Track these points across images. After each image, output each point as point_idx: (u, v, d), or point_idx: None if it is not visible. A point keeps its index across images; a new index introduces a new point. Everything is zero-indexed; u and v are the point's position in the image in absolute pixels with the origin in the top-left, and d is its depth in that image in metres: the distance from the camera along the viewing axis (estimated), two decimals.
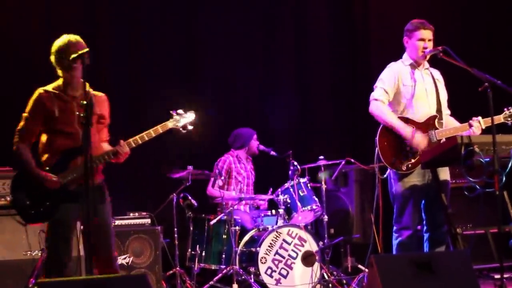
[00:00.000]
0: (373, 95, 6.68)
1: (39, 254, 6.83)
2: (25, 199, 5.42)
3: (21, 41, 8.32)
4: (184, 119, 5.89)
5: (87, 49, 5.34)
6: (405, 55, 6.79)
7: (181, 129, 5.89)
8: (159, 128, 5.77)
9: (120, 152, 5.61)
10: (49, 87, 5.57)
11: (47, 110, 5.48)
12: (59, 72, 5.57)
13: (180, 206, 8.11)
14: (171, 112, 5.87)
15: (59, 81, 5.58)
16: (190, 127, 5.92)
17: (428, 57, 6.66)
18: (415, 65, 6.71)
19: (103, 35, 9.16)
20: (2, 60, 8.41)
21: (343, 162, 8.61)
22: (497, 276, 7.88)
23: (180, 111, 5.90)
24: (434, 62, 6.78)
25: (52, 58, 5.55)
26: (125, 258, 7.57)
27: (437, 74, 6.85)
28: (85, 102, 5.16)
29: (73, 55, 5.34)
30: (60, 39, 5.55)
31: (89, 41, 5.61)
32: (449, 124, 6.65)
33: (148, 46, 9.44)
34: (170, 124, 5.83)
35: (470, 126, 6.41)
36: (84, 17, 9.02)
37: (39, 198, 5.41)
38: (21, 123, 5.55)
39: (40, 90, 5.55)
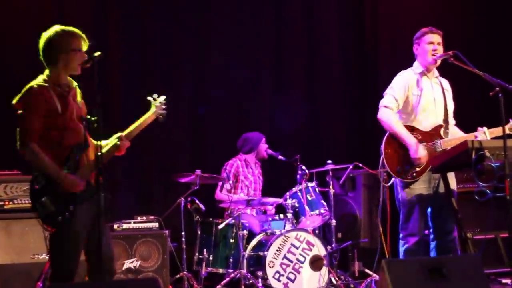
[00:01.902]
0: (383, 102, 6.69)
1: (47, 257, 6.81)
2: (50, 205, 5.09)
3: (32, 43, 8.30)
4: (162, 104, 5.74)
5: (99, 53, 5.21)
6: (415, 63, 6.79)
7: (160, 116, 5.74)
8: (148, 119, 5.63)
9: (122, 146, 5.42)
10: (44, 82, 5.21)
11: (50, 106, 5.16)
12: (54, 61, 5.25)
13: (187, 210, 8.10)
14: (148, 98, 5.70)
15: (49, 73, 5.26)
16: (164, 112, 5.76)
17: (438, 62, 6.65)
18: (425, 73, 6.71)
19: (113, 38, 9.14)
20: (10, 60, 8.40)
21: (351, 167, 8.61)
22: (505, 281, 7.87)
23: (155, 96, 5.73)
24: (444, 71, 6.79)
25: (49, 46, 5.25)
26: (132, 262, 7.57)
27: (446, 84, 6.86)
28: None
29: (86, 59, 5.24)
30: (62, 28, 5.29)
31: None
32: (455, 134, 6.67)
33: (157, 48, 9.42)
34: (154, 114, 5.69)
35: (476, 137, 6.40)
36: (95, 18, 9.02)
37: (64, 202, 5.11)
38: (25, 123, 5.11)
39: (38, 84, 5.19)
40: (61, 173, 5.13)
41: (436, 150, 6.47)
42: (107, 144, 5.42)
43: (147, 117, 5.63)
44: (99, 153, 4.99)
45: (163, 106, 5.74)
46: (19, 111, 5.16)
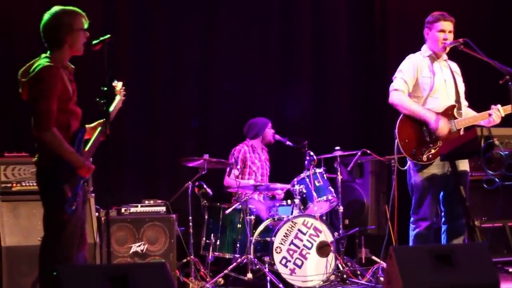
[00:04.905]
0: (393, 85, 6.65)
1: None
2: (69, 191, 5.01)
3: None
4: (122, 90, 5.62)
5: (108, 36, 5.19)
6: (424, 47, 6.76)
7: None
8: (118, 105, 5.51)
9: (105, 132, 5.27)
10: (53, 62, 5.09)
11: (64, 88, 5.08)
12: (59, 42, 5.15)
13: (195, 194, 8.11)
14: (113, 84, 5.51)
15: (54, 54, 5.15)
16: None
17: (448, 49, 6.63)
18: (434, 57, 6.69)
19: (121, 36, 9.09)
20: (17, 44, 8.40)
21: (359, 153, 8.60)
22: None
23: (116, 82, 5.56)
24: (453, 55, 6.76)
25: (54, 27, 5.14)
26: (139, 246, 7.57)
27: (455, 66, 6.83)
28: (105, 88, 5.16)
29: (95, 41, 5.21)
30: (64, 8, 5.20)
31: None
32: (468, 115, 6.62)
33: (165, 32, 9.37)
34: (121, 101, 5.57)
35: (490, 115, 6.39)
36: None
37: (76, 188, 5.08)
38: (46, 105, 4.96)
39: (52, 64, 5.04)
40: (81, 158, 5.10)
41: (451, 131, 6.45)
42: (95, 128, 5.38)
43: (117, 103, 5.50)
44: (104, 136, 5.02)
45: (124, 92, 5.63)
46: (38, 93, 5.01)
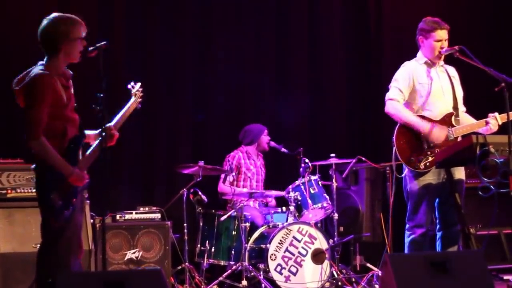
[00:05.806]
0: (388, 95, 6.65)
1: None
2: (58, 200, 5.02)
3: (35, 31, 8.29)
4: (140, 92, 5.72)
5: (104, 42, 5.19)
6: (419, 54, 6.75)
7: (139, 105, 5.73)
8: (131, 108, 5.60)
9: (112, 137, 5.32)
10: (46, 70, 5.08)
11: (57, 96, 5.04)
12: (55, 50, 5.14)
13: (190, 201, 8.09)
14: (128, 87, 5.70)
15: (50, 61, 5.15)
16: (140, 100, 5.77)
17: (443, 56, 6.63)
18: (430, 63, 6.68)
19: (117, 34, 9.09)
20: (13, 49, 8.39)
21: (354, 161, 8.60)
22: (507, 277, 7.87)
23: (132, 83, 5.72)
24: (449, 59, 6.77)
25: (52, 35, 5.13)
26: (134, 253, 7.57)
27: (452, 71, 6.82)
28: (101, 95, 5.14)
29: (91, 47, 5.20)
30: (62, 15, 5.20)
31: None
32: (465, 121, 6.63)
33: (161, 39, 9.37)
34: (135, 103, 5.66)
35: (487, 123, 6.39)
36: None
37: (68, 196, 5.08)
38: (35, 115, 4.96)
39: (45, 73, 5.02)
40: (70, 167, 5.07)
41: (448, 139, 6.46)
42: (95, 135, 5.39)
43: (129, 105, 5.59)
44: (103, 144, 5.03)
45: (141, 94, 5.71)
46: (29, 102, 5.02)
